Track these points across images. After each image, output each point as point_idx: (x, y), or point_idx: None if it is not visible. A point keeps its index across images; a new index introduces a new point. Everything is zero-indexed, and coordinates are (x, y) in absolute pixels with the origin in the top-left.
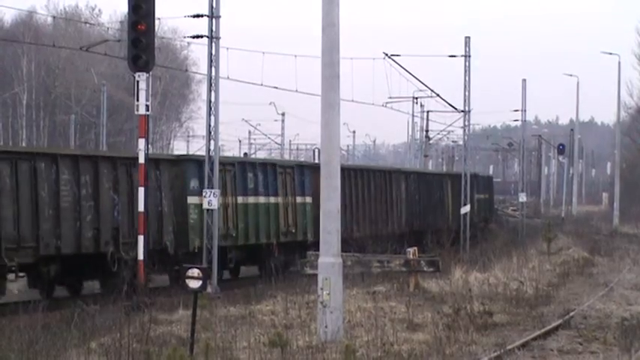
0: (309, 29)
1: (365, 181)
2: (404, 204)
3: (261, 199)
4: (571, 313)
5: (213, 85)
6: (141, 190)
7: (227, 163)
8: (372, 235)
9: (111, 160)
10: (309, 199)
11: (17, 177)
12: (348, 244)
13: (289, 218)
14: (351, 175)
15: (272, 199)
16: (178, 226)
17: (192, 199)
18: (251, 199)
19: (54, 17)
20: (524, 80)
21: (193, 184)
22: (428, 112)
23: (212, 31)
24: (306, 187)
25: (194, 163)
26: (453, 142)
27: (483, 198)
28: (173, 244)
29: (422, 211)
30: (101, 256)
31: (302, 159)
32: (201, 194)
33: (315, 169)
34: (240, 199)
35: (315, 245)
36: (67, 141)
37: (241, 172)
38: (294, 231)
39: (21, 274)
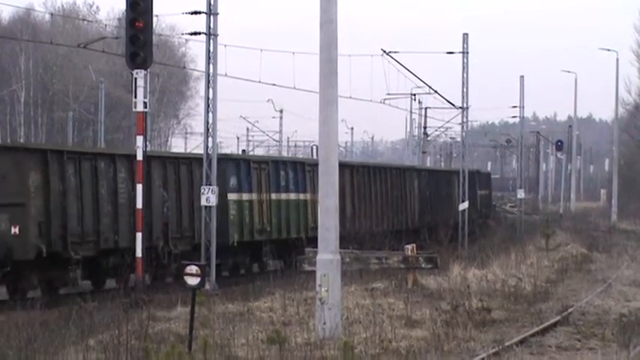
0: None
1: (383, 178)
2: (417, 200)
3: (292, 196)
4: (569, 310)
5: (211, 82)
6: (139, 187)
7: (262, 162)
8: (390, 230)
9: (160, 159)
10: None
11: (81, 176)
12: (366, 238)
13: (316, 214)
14: (371, 172)
15: (301, 196)
16: (219, 222)
17: (231, 196)
18: (283, 196)
19: (52, 14)
20: (522, 77)
21: (232, 181)
22: (426, 108)
23: (210, 28)
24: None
25: (233, 162)
26: (451, 138)
27: (484, 194)
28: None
29: (433, 206)
30: (152, 250)
31: (300, 156)
32: (239, 191)
33: (344, 166)
34: (273, 196)
35: (344, 239)
36: (65, 138)
37: (275, 170)
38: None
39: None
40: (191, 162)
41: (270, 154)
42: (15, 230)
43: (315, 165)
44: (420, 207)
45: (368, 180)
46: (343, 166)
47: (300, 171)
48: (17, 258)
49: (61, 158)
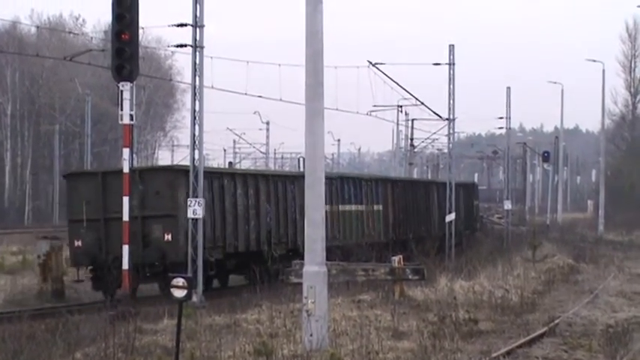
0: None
1: (408, 191)
2: (437, 211)
3: (353, 207)
4: (556, 321)
5: (197, 94)
6: (125, 200)
7: (332, 178)
8: (414, 237)
9: (265, 177)
10: (379, 207)
11: (212, 191)
12: (389, 246)
13: (370, 222)
14: (396, 186)
15: (360, 207)
16: (301, 230)
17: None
18: (347, 207)
19: (38, 27)
20: (508, 88)
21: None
22: (413, 120)
23: (196, 40)
24: (379, 197)
25: (299, 178)
26: (437, 150)
27: (476, 205)
28: (300, 244)
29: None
30: (259, 254)
31: (287, 168)
32: None
33: (384, 181)
34: (340, 207)
35: (387, 246)
36: (51, 151)
37: (340, 185)
38: (372, 233)
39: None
40: (285, 179)
41: (258, 167)
42: (168, 237)
43: (367, 180)
44: (440, 217)
45: (400, 192)
46: (385, 181)
47: (358, 185)
48: (169, 260)
49: (206, 176)
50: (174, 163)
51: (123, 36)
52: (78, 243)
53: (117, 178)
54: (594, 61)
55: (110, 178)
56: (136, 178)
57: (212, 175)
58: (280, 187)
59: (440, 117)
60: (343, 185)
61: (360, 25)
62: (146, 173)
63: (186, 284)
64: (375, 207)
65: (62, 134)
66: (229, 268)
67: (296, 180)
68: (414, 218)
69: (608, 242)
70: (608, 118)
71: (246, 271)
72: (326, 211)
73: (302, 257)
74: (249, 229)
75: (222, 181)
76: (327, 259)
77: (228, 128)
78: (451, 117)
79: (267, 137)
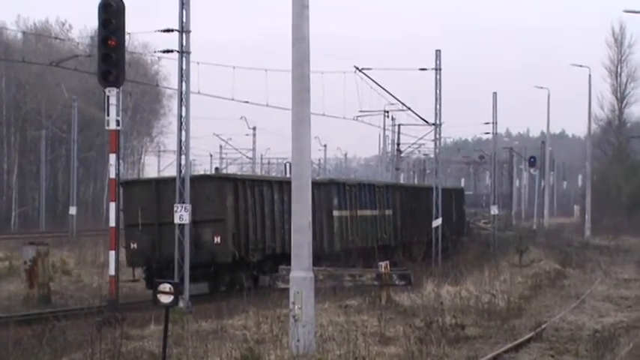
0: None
1: (412, 197)
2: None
3: (368, 212)
4: (543, 326)
5: (183, 99)
6: (112, 206)
7: (352, 185)
8: (418, 240)
9: (284, 184)
10: (389, 212)
11: (254, 198)
12: (398, 248)
13: (383, 226)
14: (403, 191)
15: (374, 212)
16: (328, 233)
17: (335, 213)
18: (364, 212)
19: (24, 33)
20: (494, 93)
21: (335, 201)
22: (399, 125)
23: (182, 45)
24: (389, 202)
25: (335, 185)
26: (424, 155)
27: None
28: (326, 246)
29: (446, 220)
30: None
31: (273, 173)
32: (339, 209)
33: (392, 187)
34: (359, 212)
35: (395, 249)
36: (37, 157)
37: (358, 191)
38: (384, 236)
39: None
40: (313, 186)
41: (244, 172)
42: (217, 240)
43: (380, 186)
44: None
45: (409, 198)
46: (394, 187)
47: (372, 191)
48: (218, 261)
49: (244, 185)
50: (161, 168)
51: (109, 42)
52: (134, 245)
53: (169, 186)
54: (580, 66)
55: (163, 185)
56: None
57: (253, 182)
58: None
59: (426, 122)
60: (361, 191)
61: (346, 30)
62: (196, 181)
63: (172, 290)
64: (387, 212)
65: (48, 140)
66: (265, 269)
67: (323, 186)
68: (418, 222)
69: (594, 247)
70: (594, 123)
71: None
72: (346, 216)
73: (327, 258)
74: (285, 232)
75: (261, 188)
76: (347, 261)
77: (214, 134)
78: (437, 122)
79: (254, 143)
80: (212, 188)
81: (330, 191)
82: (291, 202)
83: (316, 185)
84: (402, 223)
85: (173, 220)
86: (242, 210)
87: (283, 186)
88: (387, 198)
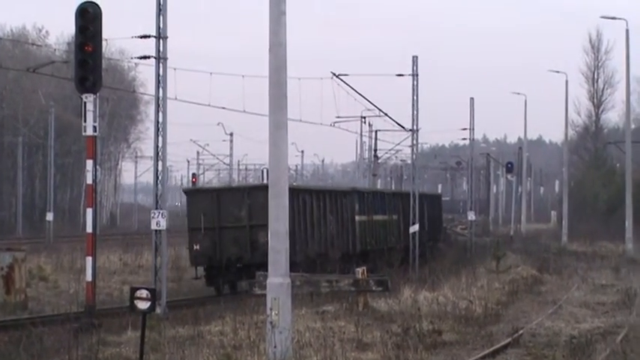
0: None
1: (404, 202)
2: (427, 220)
3: (380, 217)
4: (520, 332)
5: (160, 105)
6: (89, 212)
7: (368, 192)
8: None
9: (324, 192)
10: (396, 217)
11: (299, 205)
12: (402, 250)
13: (391, 230)
14: (405, 198)
15: (385, 217)
16: (352, 236)
17: (357, 218)
18: (377, 217)
19: (0, 39)
20: (472, 99)
21: (357, 207)
22: (376, 131)
23: (159, 51)
24: (395, 208)
25: (357, 193)
26: (401, 161)
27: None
28: (350, 248)
29: (423, 226)
30: (325, 255)
31: (250, 180)
32: (360, 214)
33: (396, 194)
34: (374, 217)
35: (399, 251)
36: (14, 162)
37: (372, 198)
38: (392, 239)
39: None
40: (337, 194)
41: (221, 179)
42: None
43: (388, 193)
44: (428, 224)
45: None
46: (398, 194)
47: (382, 198)
48: None
49: (292, 193)
50: (138, 174)
51: (86, 48)
52: (196, 247)
53: (228, 194)
54: (557, 72)
55: (223, 193)
56: (245, 194)
57: (298, 191)
58: (334, 200)
59: (403, 128)
60: (375, 198)
61: (323, 37)
62: (253, 190)
63: (149, 296)
64: (394, 217)
65: (25, 146)
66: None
67: (347, 194)
68: (429, 225)
69: (571, 253)
70: (571, 129)
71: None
72: (365, 221)
73: (352, 260)
74: (320, 235)
75: (304, 196)
76: (365, 262)
77: (191, 140)
78: (414, 128)
79: (231, 149)
80: (265, 196)
81: (353, 198)
82: (328, 208)
83: (342, 193)
84: (405, 227)
85: (233, 225)
86: (291, 215)
87: (320, 195)
88: (393, 204)
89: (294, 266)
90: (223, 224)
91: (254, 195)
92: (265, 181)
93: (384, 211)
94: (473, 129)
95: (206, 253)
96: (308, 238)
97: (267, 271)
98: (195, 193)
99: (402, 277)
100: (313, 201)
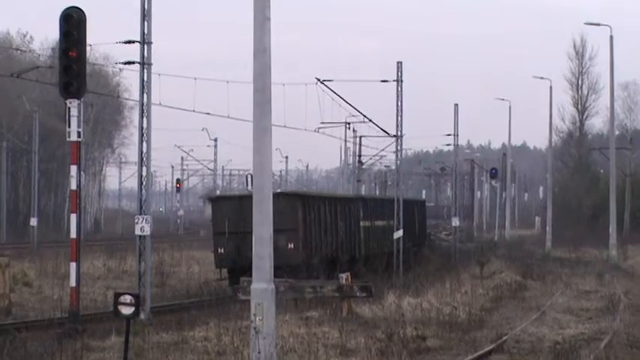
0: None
1: (405, 209)
2: (417, 225)
3: (380, 223)
4: (504, 338)
5: (145, 111)
6: (73, 217)
7: (371, 199)
8: (411, 246)
9: (335, 200)
10: (392, 222)
11: (315, 211)
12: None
13: (389, 235)
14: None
15: (384, 223)
16: (357, 240)
17: (361, 223)
18: (378, 223)
19: None
20: (456, 105)
21: (361, 213)
22: (360, 137)
23: (144, 57)
24: (392, 213)
25: (361, 200)
26: (385, 166)
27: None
28: (356, 252)
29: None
30: (336, 258)
31: (235, 185)
32: (364, 219)
33: (392, 200)
34: (375, 223)
35: (405, 252)
36: None
37: (374, 204)
38: (389, 244)
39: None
40: (345, 201)
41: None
42: (290, 246)
43: (386, 200)
44: (418, 230)
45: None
46: (393, 201)
47: (382, 204)
48: (291, 264)
49: (308, 201)
50: (122, 180)
51: (70, 53)
52: (221, 250)
53: (251, 201)
54: (542, 78)
55: (246, 200)
56: None
57: (314, 198)
58: (345, 206)
59: (387, 134)
60: (376, 205)
61: (308, 42)
62: (273, 197)
63: (133, 301)
64: (391, 222)
65: (10, 151)
66: (320, 271)
67: (353, 201)
68: (409, 231)
69: (555, 259)
70: (555, 135)
71: (328, 271)
72: (368, 226)
73: (358, 263)
74: (332, 240)
75: (318, 204)
76: (370, 265)
77: (176, 145)
78: (399, 134)
79: (215, 154)
80: (286, 203)
81: (358, 205)
82: (338, 214)
83: (350, 200)
84: (408, 232)
85: (252, 229)
86: (308, 221)
87: (331, 201)
88: (390, 210)
89: (310, 268)
90: (246, 229)
91: (274, 202)
92: (278, 189)
93: (383, 216)
94: (457, 135)
95: (230, 255)
96: (322, 242)
97: (285, 270)
98: (219, 201)
99: (386, 283)
100: (326, 208)
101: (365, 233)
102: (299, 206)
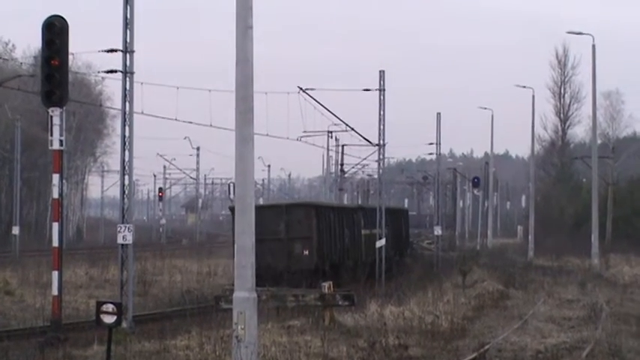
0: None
1: (394, 217)
2: (404, 234)
3: (374, 231)
4: (486, 347)
5: (127, 119)
6: (55, 226)
7: (368, 209)
8: (399, 255)
9: (342, 210)
10: (386, 231)
11: (326, 220)
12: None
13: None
14: (391, 213)
15: (377, 231)
16: (359, 247)
17: (362, 232)
18: (374, 231)
19: None
20: (438, 114)
21: (362, 222)
22: (343, 146)
23: (126, 66)
24: (386, 223)
25: (361, 209)
26: (368, 175)
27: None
28: (359, 259)
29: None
30: (342, 263)
31: (217, 194)
32: (364, 228)
33: (390, 210)
34: (370, 231)
35: (389, 261)
36: None
37: (371, 214)
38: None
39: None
40: (349, 211)
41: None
42: (305, 252)
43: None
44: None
45: (392, 219)
46: (387, 210)
47: (374, 214)
48: (305, 268)
49: (321, 210)
50: (104, 188)
51: (52, 62)
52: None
53: (269, 210)
54: (524, 87)
55: (264, 210)
56: (283, 210)
57: (325, 208)
58: (349, 216)
59: (370, 143)
60: (373, 214)
61: (290, 51)
62: (290, 207)
63: (115, 310)
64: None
65: None
66: (329, 275)
67: (355, 210)
68: (397, 239)
69: (537, 267)
70: (537, 144)
71: (338, 276)
72: (367, 234)
73: (359, 266)
74: (339, 247)
75: (329, 213)
76: (371, 270)
77: (158, 154)
78: (381, 143)
79: (198, 163)
80: (302, 212)
81: (359, 215)
82: (344, 223)
83: (353, 210)
84: (393, 240)
85: (272, 237)
86: (321, 229)
87: (338, 211)
88: (385, 220)
89: (321, 274)
90: (263, 237)
91: (291, 211)
92: (293, 198)
93: (373, 226)
94: (439, 144)
95: None
96: (332, 249)
97: (300, 277)
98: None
99: (368, 292)
100: (335, 217)
101: (366, 241)
102: (313, 215)
